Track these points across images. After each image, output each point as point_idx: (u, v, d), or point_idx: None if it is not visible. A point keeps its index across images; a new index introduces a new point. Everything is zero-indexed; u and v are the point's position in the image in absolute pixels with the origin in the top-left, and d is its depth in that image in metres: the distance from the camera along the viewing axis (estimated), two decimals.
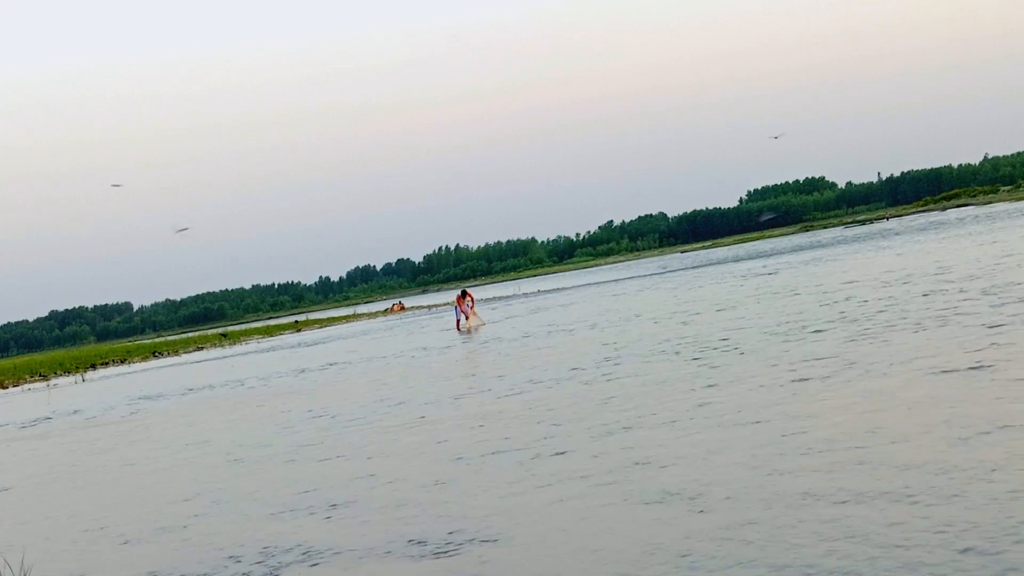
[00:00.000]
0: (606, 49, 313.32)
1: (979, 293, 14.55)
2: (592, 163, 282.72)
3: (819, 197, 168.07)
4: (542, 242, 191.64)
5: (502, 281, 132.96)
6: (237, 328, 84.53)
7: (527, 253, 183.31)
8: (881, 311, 14.39)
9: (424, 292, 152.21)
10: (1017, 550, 4.41)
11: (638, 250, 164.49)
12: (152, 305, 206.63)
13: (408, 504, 7.08)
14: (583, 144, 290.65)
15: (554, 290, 55.08)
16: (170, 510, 8.34)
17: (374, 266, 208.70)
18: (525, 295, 54.02)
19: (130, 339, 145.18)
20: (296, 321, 68.98)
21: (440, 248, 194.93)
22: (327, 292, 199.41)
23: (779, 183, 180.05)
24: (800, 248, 57.78)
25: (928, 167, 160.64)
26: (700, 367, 11.79)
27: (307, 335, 48.04)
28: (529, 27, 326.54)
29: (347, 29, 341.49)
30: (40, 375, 41.37)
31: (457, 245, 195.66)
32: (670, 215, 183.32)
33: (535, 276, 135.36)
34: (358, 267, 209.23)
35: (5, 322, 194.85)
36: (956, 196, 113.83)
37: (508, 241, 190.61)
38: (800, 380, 9.60)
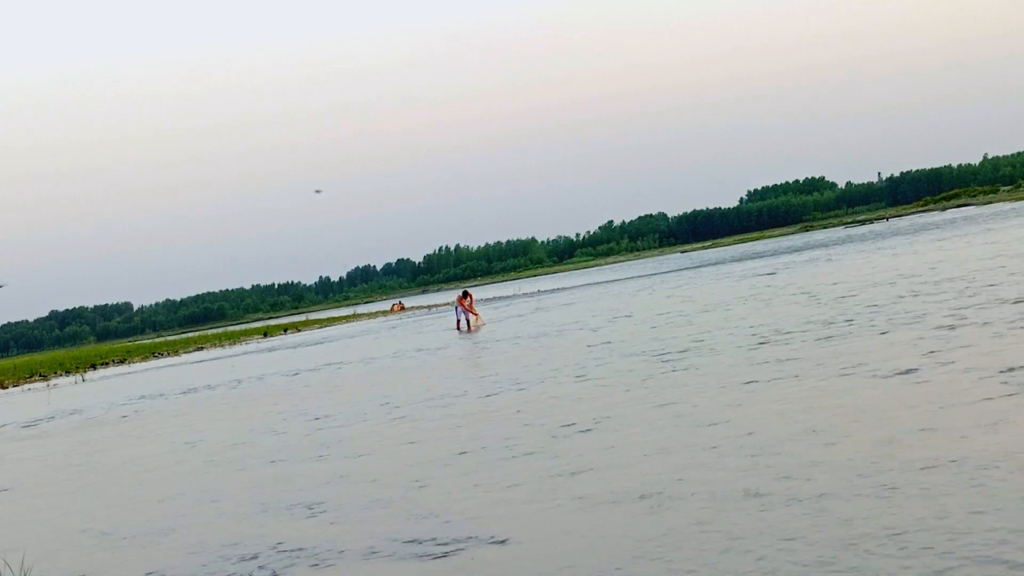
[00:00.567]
0: (606, 49, 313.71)
1: (955, 296, 14.93)
2: (592, 163, 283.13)
3: (819, 197, 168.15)
4: (542, 242, 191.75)
5: (502, 281, 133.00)
6: (236, 328, 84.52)
7: (527, 253, 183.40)
8: (859, 314, 14.69)
9: (424, 292, 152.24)
10: (955, 547, 4.50)
11: (638, 250, 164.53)
12: (152, 305, 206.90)
13: (416, 503, 7.13)
14: (583, 144, 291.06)
15: (554, 290, 55.11)
16: (170, 510, 8.37)
17: (374, 266, 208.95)
18: (525, 295, 54.05)
19: (130, 339, 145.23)
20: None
21: (440, 248, 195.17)
22: (327, 292, 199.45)
23: (779, 183, 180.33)
24: (798, 248, 57.83)
25: (928, 167, 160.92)
26: (675, 369, 12.02)
27: (307, 335, 48.07)
28: (529, 27, 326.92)
29: (347, 29, 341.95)
30: (40, 375, 41.42)
31: (457, 245, 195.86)
32: (670, 215, 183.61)
33: (535, 276, 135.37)
34: (358, 267, 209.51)
35: (5, 322, 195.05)
36: (956, 196, 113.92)
37: (508, 241, 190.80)
38: (750, 383, 9.92)
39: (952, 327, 11.49)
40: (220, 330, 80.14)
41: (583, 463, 7.51)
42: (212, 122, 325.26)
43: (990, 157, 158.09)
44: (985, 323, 11.36)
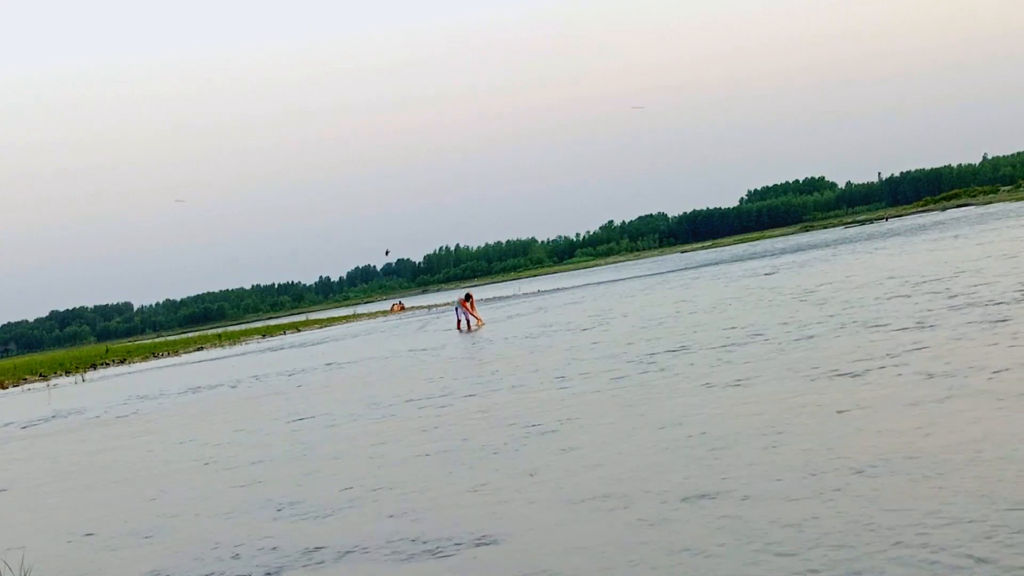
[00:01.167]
0: (606, 49, 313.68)
1: (931, 298, 15.32)
2: (592, 163, 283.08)
3: (819, 197, 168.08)
4: (542, 242, 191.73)
5: (502, 281, 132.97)
6: (236, 328, 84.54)
7: (527, 253, 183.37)
8: (834, 315, 15.24)
9: (424, 292, 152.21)
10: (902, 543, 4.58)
11: (638, 250, 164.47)
12: (152, 305, 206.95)
13: (441, 506, 7.17)
14: (583, 144, 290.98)
15: (554, 290, 55.17)
16: (170, 510, 8.41)
17: (374, 266, 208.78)
18: (525, 295, 54.11)
19: (130, 339, 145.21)
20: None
21: (440, 248, 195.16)
22: (327, 292, 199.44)
23: (779, 183, 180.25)
24: (795, 249, 57.87)
25: (928, 167, 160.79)
26: (654, 372, 12.23)
27: (307, 335, 48.11)
28: (529, 27, 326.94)
29: (347, 29, 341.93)
30: (40, 375, 41.47)
31: (457, 245, 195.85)
32: (670, 215, 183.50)
33: (535, 276, 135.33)
34: (358, 267, 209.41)
35: (5, 322, 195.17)
36: (956, 196, 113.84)
37: (508, 241, 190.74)
38: (710, 385, 10.03)
39: (922, 328, 12.00)
40: (220, 330, 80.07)
41: (546, 463, 7.64)
42: (212, 122, 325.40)
43: (990, 157, 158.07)
44: (951, 326, 11.74)
